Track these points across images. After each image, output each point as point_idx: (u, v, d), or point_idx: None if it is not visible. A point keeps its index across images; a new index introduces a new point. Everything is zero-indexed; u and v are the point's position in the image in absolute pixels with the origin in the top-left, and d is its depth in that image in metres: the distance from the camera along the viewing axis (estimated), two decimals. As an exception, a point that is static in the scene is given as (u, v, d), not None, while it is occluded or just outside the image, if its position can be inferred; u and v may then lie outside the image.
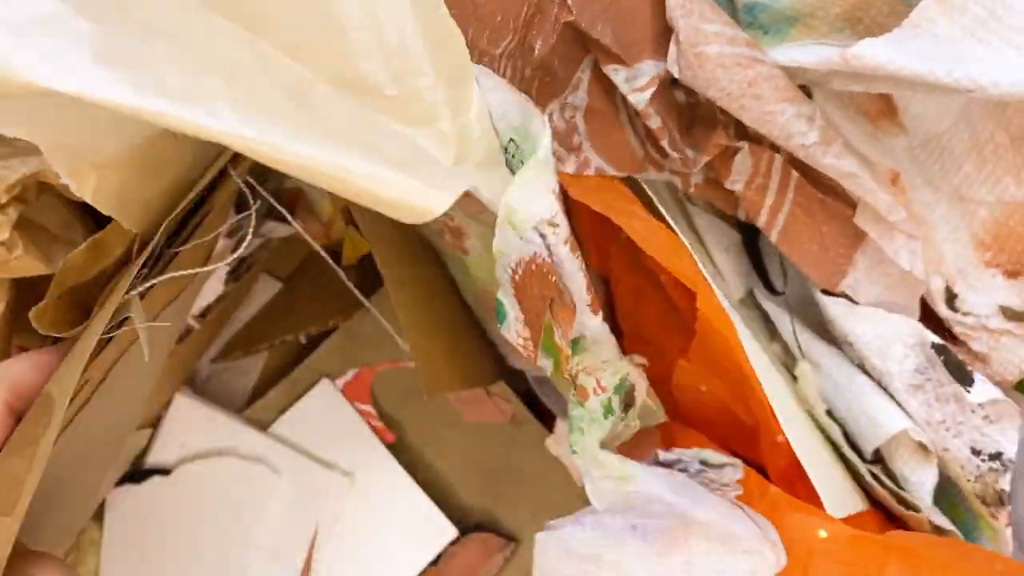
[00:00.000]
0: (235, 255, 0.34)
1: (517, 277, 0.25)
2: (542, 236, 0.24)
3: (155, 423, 0.44)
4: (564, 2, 0.28)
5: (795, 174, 0.30)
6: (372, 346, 0.45)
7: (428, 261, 0.37)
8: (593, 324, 0.27)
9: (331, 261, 0.36)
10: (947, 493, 0.30)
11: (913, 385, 0.29)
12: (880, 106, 0.30)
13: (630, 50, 0.28)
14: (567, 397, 0.37)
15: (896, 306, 0.30)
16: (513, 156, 0.28)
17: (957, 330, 0.30)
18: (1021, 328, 0.30)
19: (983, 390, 0.28)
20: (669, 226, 0.29)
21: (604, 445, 0.28)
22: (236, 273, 0.44)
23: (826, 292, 0.31)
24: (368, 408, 0.45)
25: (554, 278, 0.25)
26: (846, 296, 0.31)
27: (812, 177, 0.30)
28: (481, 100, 0.26)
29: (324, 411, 0.45)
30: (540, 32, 0.28)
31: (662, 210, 0.30)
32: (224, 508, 0.42)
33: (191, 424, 0.44)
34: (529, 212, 0.24)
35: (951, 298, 0.31)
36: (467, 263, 0.35)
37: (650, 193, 0.31)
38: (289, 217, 0.34)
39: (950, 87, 0.24)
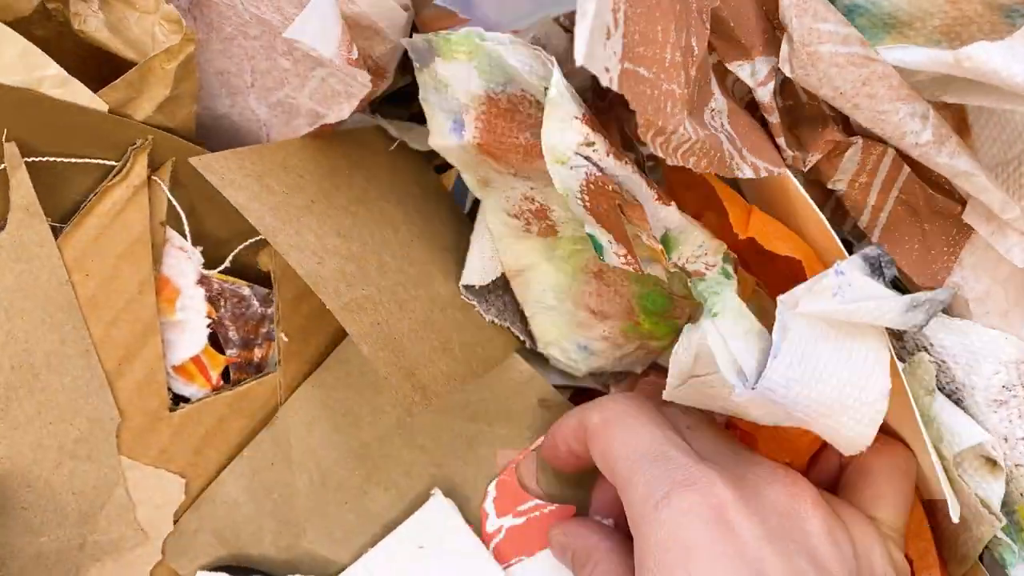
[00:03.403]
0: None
1: (587, 203, 0.27)
2: (586, 158, 0.26)
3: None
4: None
5: (906, 169, 0.29)
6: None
7: (391, 268, 0.32)
8: (669, 214, 0.28)
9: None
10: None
11: (997, 400, 0.29)
12: (952, 126, 0.29)
13: (748, 46, 0.28)
14: (680, 290, 0.35)
15: (1007, 301, 0.30)
16: None
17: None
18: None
19: None
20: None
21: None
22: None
23: None
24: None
25: (611, 186, 0.27)
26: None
27: (921, 173, 0.30)
28: None
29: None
30: (694, 31, 0.27)
31: (811, 204, 0.29)
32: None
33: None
34: (565, 144, 0.26)
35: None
36: (557, 245, 0.33)
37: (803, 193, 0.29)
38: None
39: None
